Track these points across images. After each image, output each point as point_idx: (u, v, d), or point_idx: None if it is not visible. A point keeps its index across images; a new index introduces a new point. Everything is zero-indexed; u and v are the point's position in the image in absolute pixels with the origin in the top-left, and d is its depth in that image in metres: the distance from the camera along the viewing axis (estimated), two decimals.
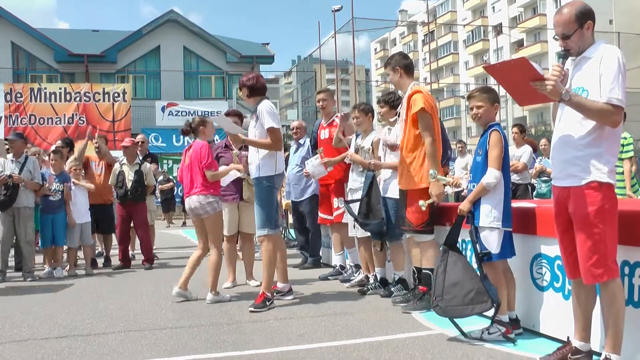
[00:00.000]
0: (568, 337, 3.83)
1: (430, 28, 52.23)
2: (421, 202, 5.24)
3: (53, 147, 9.56)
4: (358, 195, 6.45)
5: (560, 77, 3.46)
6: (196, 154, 6.39)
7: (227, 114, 7.18)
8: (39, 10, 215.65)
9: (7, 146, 9.38)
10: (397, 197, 5.79)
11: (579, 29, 3.53)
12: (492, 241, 4.43)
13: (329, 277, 7.56)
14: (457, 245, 4.70)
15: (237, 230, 7.35)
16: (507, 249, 4.49)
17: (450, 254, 4.58)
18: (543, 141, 11.10)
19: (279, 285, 6.26)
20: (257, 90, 6.10)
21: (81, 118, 24.02)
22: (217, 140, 9.40)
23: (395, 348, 4.34)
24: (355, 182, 6.69)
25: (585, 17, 3.54)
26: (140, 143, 10.62)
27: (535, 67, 3.44)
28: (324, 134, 7.71)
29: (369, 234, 6.41)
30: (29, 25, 29.45)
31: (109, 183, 9.52)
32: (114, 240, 10.12)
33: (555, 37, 3.64)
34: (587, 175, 3.47)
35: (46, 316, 5.81)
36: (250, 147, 6.15)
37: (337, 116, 7.66)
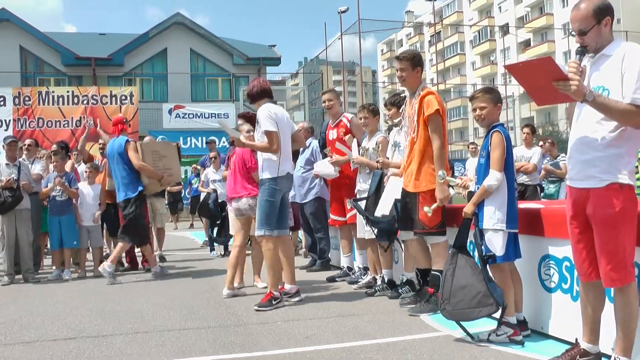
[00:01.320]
0: (576, 339, 3.80)
1: (437, 29, 52.21)
2: (426, 208, 5.31)
3: (54, 147, 9.61)
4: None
5: (577, 74, 3.36)
6: (239, 159, 6.79)
7: (240, 116, 7.40)
8: (46, 14, 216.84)
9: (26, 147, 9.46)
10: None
11: (597, 25, 3.43)
12: (496, 243, 4.41)
13: (336, 279, 7.55)
14: (466, 247, 4.69)
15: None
16: (512, 251, 4.47)
17: (459, 256, 4.57)
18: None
19: (287, 287, 6.27)
20: (256, 95, 6.29)
21: (89, 120, 24.09)
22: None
23: (403, 350, 4.33)
24: (363, 184, 6.68)
25: (603, 13, 3.44)
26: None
27: (560, 67, 3.33)
28: (332, 135, 7.65)
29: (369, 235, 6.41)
30: (37, 29, 29.58)
31: (107, 189, 9.38)
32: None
33: (572, 33, 3.53)
34: (607, 176, 3.38)
35: (54, 318, 5.84)
36: (257, 151, 6.27)
37: (344, 116, 7.64)
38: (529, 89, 3.60)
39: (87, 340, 4.91)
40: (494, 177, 4.42)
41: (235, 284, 6.97)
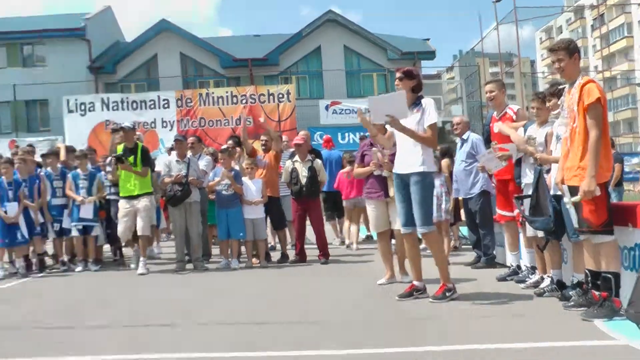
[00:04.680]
0: None
1: (600, 11, 49.02)
2: (573, 198, 5.05)
3: (223, 147, 10.07)
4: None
5: None
6: None
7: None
8: (202, 21, 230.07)
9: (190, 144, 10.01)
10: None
11: None
12: None
13: (506, 278, 7.19)
14: None
15: (388, 226, 7.30)
16: None
17: None
18: None
19: (416, 283, 6.27)
20: (419, 85, 6.29)
21: (248, 119, 25.16)
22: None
23: (574, 356, 4.10)
24: (530, 176, 6.36)
25: None
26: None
27: None
28: (497, 127, 7.18)
29: (540, 233, 6.11)
30: (195, 35, 31.59)
31: (282, 180, 9.79)
32: (288, 237, 10.46)
33: None
34: None
35: (222, 303, 6.33)
36: (405, 142, 6.12)
37: (509, 108, 7.25)
38: None
39: (253, 327, 5.25)
40: None
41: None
